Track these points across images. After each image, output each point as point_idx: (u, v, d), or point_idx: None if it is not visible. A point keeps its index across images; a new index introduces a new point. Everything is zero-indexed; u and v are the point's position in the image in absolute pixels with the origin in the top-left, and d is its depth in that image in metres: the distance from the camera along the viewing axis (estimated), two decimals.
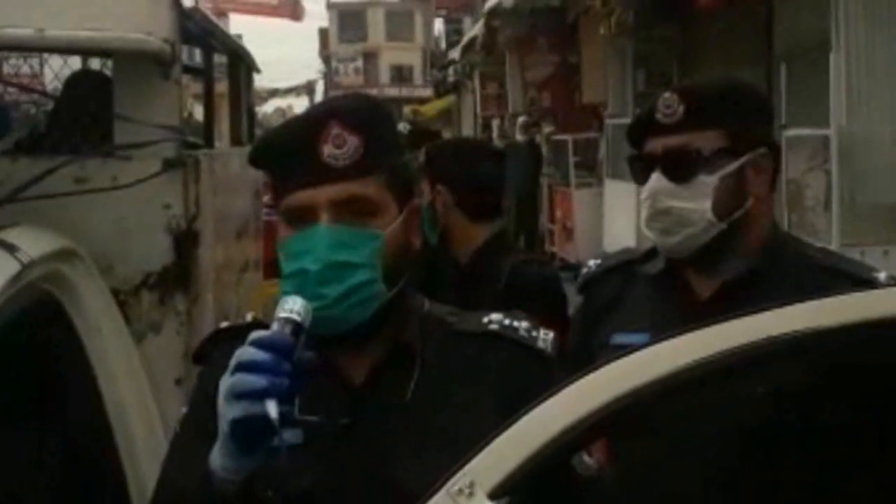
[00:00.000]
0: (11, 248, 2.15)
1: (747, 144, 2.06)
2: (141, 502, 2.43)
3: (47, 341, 2.33)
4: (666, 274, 2.13)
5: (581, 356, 2.03)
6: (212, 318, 2.98)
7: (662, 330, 1.30)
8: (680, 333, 1.26)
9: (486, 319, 1.66)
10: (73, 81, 3.35)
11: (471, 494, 1.21)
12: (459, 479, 1.22)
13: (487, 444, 1.24)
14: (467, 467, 1.23)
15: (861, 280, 1.96)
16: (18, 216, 2.43)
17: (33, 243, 2.27)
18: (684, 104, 2.02)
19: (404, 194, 1.63)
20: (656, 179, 2.05)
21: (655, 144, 2.06)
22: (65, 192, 2.61)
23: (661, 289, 2.12)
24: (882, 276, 2.01)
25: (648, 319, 2.02)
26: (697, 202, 2.02)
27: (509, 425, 1.25)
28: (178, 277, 2.76)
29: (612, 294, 2.18)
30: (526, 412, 1.26)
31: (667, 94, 2.04)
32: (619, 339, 2.02)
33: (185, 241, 2.78)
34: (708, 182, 2.02)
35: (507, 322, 1.65)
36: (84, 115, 2.92)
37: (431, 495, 1.23)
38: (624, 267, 2.22)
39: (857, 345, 1.35)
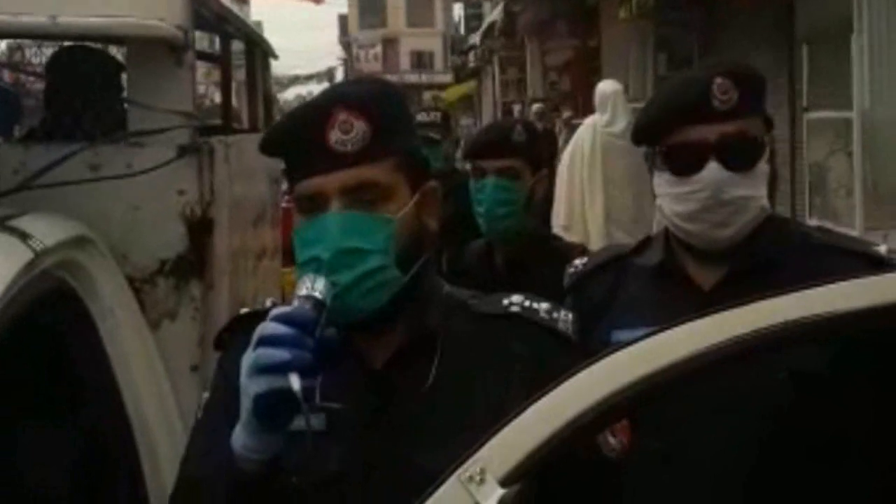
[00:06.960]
0: (24, 236, 2.14)
1: (768, 127, 2.03)
2: (156, 488, 2.43)
3: (62, 329, 2.33)
4: (663, 266, 2.06)
5: None
6: (227, 305, 2.98)
7: (666, 322, 1.26)
8: (691, 319, 1.24)
9: (506, 301, 1.66)
10: (57, 60, 3.34)
11: (481, 481, 1.20)
12: (470, 466, 1.21)
13: (498, 430, 1.23)
14: (478, 454, 1.22)
15: (868, 256, 1.93)
16: (32, 204, 2.43)
17: (47, 231, 2.26)
18: (738, 89, 1.93)
19: (418, 177, 1.61)
20: (716, 170, 1.92)
21: (705, 132, 1.93)
22: (79, 180, 2.60)
23: (661, 281, 2.06)
24: (882, 248, 1.98)
25: (650, 313, 1.93)
26: (757, 190, 1.96)
27: (520, 412, 1.24)
28: (193, 264, 2.75)
29: (605, 291, 2.12)
30: (537, 399, 1.24)
31: (718, 80, 1.92)
32: (621, 335, 1.92)
33: (200, 227, 2.77)
34: (764, 169, 1.97)
35: (527, 303, 1.65)
36: (76, 95, 2.91)
37: (442, 482, 1.22)
38: (614, 263, 2.16)
39: (875, 328, 1.32)
